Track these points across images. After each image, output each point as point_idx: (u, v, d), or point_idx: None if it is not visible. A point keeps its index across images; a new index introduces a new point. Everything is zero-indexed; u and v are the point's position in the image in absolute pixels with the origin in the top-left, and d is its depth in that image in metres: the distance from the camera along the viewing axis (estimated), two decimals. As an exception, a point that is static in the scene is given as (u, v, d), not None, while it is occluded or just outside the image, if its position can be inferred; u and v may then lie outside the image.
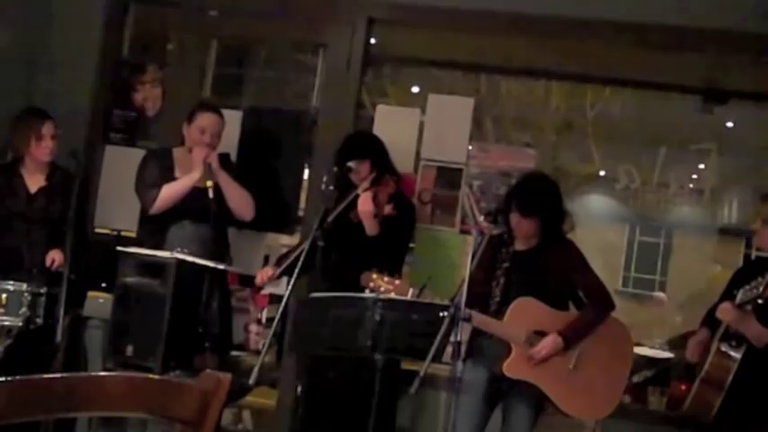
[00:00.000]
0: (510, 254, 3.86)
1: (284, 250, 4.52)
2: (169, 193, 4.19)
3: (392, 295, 3.48)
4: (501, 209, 3.84)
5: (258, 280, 4.14)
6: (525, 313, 3.69)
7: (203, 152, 4.17)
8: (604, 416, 3.83)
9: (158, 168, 4.27)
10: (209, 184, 4.11)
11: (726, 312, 3.58)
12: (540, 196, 3.83)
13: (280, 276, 4.15)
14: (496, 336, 3.70)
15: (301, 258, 3.63)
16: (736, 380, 3.58)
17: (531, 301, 3.71)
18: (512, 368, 3.66)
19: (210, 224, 4.14)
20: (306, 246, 3.71)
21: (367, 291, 3.52)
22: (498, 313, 3.72)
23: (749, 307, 3.52)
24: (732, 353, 3.62)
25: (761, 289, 3.45)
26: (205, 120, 4.28)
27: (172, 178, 4.25)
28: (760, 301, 3.49)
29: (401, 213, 4.14)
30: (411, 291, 3.54)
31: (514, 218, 3.80)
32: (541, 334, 3.71)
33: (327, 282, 3.91)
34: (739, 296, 3.56)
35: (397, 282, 3.54)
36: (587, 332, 3.75)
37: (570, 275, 3.86)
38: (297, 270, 3.58)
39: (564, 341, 3.69)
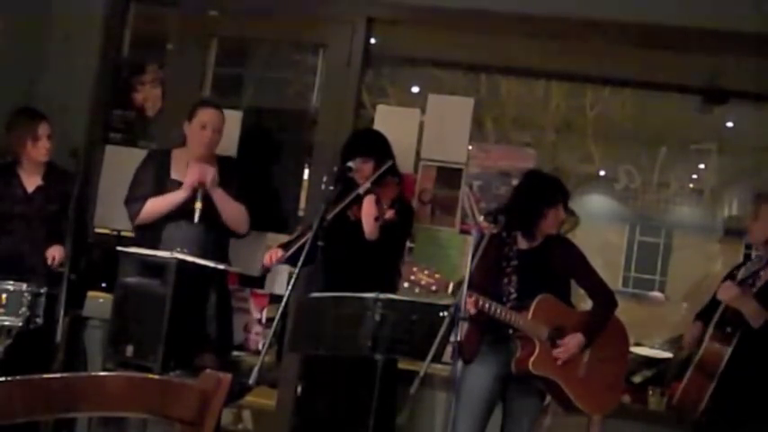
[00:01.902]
0: (516, 252, 3.88)
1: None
2: (153, 207, 4.18)
3: (433, 288, 3.51)
4: (503, 207, 3.86)
5: (267, 261, 4.09)
6: (547, 310, 3.74)
7: (195, 174, 4.11)
8: (613, 408, 3.88)
9: (152, 177, 4.24)
10: (198, 205, 4.08)
11: (727, 290, 3.63)
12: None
13: (287, 261, 4.11)
14: (521, 330, 3.72)
15: (304, 252, 3.62)
16: (727, 371, 3.61)
17: (551, 298, 3.77)
18: (537, 365, 3.70)
19: (207, 226, 4.14)
20: (309, 236, 3.69)
21: (406, 283, 3.53)
22: (518, 309, 3.74)
23: (750, 281, 3.56)
24: (726, 339, 3.65)
25: (763, 262, 3.51)
26: (206, 115, 4.27)
27: (168, 180, 4.24)
28: (762, 273, 3.53)
29: (401, 217, 4.14)
30: (451, 284, 3.56)
31: (555, 214, 3.85)
32: (560, 330, 3.75)
33: (326, 280, 3.91)
34: (741, 273, 3.61)
35: (437, 275, 3.54)
36: (601, 330, 3.82)
37: (572, 274, 3.90)
38: (299, 265, 3.57)
39: (586, 340, 3.75)
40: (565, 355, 3.72)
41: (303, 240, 3.92)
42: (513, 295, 3.81)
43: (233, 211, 4.26)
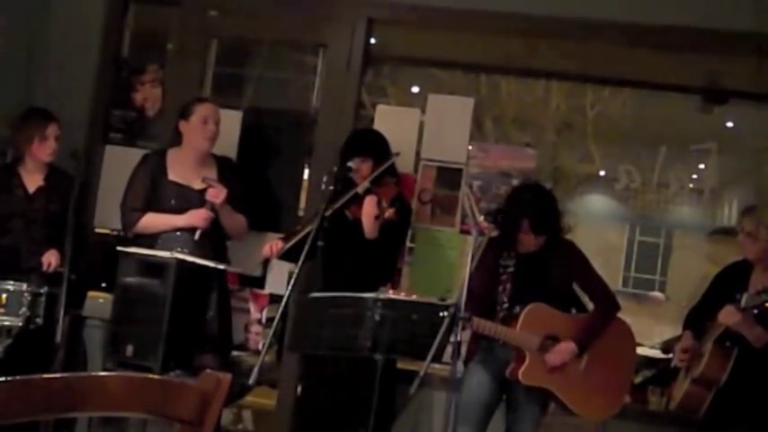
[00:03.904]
0: (513, 257, 3.87)
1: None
2: (151, 223, 4.20)
3: None
4: (501, 211, 3.83)
5: (266, 251, 4.11)
6: (538, 319, 3.72)
7: (202, 218, 4.13)
8: (614, 413, 3.86)
9: (148, 182, 4.24)
10: (199, 231, 4.11)
11: (730, 315, 3.58)
12: (550, 215, 3.87)
13: (286, 256, 4.12)
14: (509, 343, 3.71)
15: (305, 249, 3.62)
16: (728, 381, 3.61)
17: (542, 306, 3.74)
18: (527, 375, 3.68)
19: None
20: (309, 229, 3.69)
21: None
22: (508, 319, 3.74)
23: (755, 311, 3.54)
24: (726, 354, 3.64)
25: None
26: (206, 109, 4.28)
27: (164, 181, 4.24)
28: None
29: (400, 217, 4.14)
30: None
31: (525, 236, 3.80)
32: (554, 339, 3.73)
33: (325, 280, 3.91)
34: (744, 300, 3.58)
35: (414, 297, 3.54)
36: (598, 336, 3.79)
37: (574, 278, 3.89)
38: (299, 263, 3.57)
39: (578, 347, 3.73)
40: (555, 365, 3.71)
41: (304, 233, 3.93)
42: (506, 304, 3.80)
43: (235, 223, 4.32)
